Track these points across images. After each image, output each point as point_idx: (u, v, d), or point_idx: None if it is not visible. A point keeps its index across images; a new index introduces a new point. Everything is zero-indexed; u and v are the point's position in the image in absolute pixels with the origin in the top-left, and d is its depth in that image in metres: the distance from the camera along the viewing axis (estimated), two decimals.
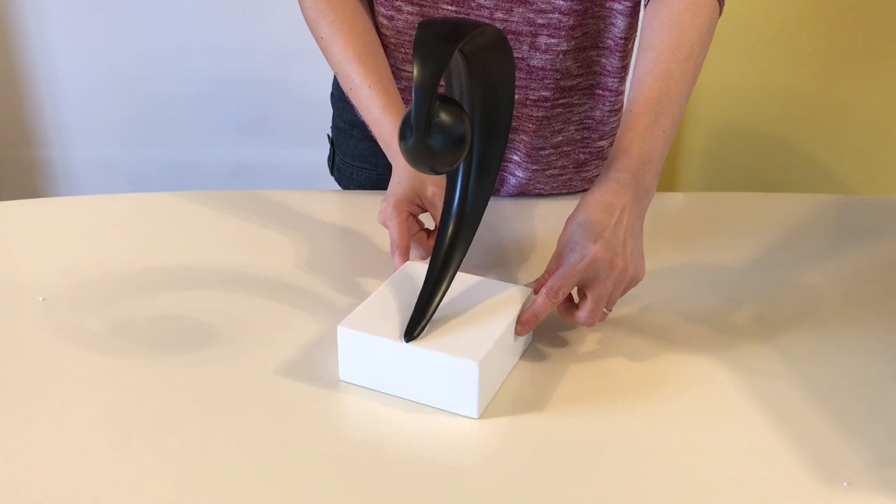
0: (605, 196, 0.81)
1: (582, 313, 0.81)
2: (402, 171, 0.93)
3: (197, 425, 0.74)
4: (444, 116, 0.71)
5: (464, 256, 0.82)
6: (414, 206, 0.91)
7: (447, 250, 0.81)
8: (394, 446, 0.73)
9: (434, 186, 0.91)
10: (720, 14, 0.95)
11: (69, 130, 2.25)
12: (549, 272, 0.82)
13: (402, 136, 0.71)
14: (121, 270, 0.97)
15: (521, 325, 0.80)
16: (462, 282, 0.85)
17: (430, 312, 0.78)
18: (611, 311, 0.83)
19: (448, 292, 0.81)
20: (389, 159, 0.97)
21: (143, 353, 0.83)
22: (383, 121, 0.96)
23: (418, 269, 0.86)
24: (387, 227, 0.90)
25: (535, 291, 0.82)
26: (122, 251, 1.01)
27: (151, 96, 2.20)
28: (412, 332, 0.76)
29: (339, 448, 0.72)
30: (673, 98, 0.87)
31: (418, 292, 0.79)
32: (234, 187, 2.20)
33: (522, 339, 0.83)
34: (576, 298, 0.84)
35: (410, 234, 0.90)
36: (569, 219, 0.83)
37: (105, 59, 2.16)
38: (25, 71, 2.18)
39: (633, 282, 0.82)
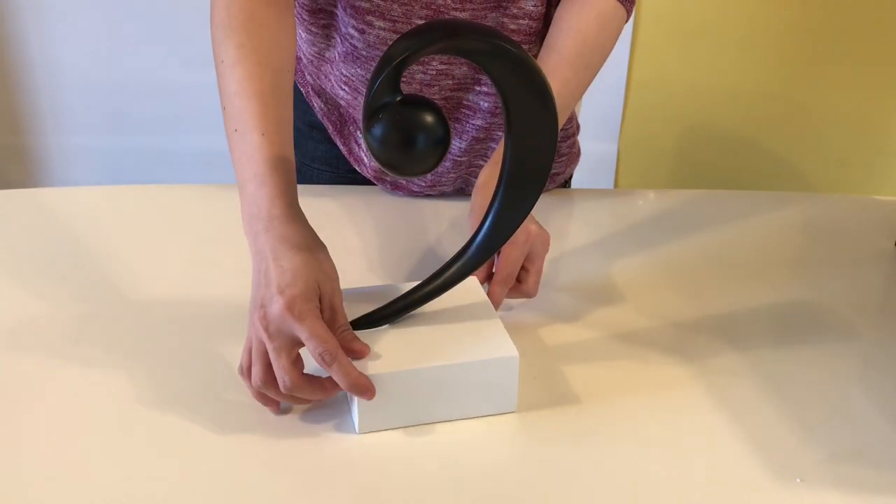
0: None
1: (530, 287, 0.87)
2: (291, 256, 0.72)
3: (166, 419, 0.74)
4: (395, 112, 0.67)
5: (455, 284, 0.79)
6: (318, 301, 0.72)
7: (447, 277, 0.78)
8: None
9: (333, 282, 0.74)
10: (627, 20, 0.98)
11: (39, 117, 2.23)
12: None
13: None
14: (78, 265, 0.96)
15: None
16: (475, 307, 0.80)
17: (382, 318, 0.77)
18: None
19: (458, 308, 0.79)
20: (251, 237, 0.75)
21: (101, 356, 0.82)
22: (267, 180, 0.75)
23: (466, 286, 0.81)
24: (290, 333, 0.69)
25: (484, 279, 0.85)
26: (79, 245, 1.00)
27: (122, 82, 2.19)
28: (357, 322, 0.76)
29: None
30: (566, 105, 0.93)
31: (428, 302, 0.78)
32: (206, 175, 2.19)
33: (492, 399, 0.76)
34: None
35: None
36: (483, 205, 0.80)
37: (76, 45, 2.14)
38: None
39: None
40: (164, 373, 0.80)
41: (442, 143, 0.69)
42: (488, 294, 0.84)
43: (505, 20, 0.99)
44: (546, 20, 1.01)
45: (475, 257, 0.78)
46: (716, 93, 2.06)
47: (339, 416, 0.75)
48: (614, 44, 0.97)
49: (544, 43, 0.96)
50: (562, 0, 0.97)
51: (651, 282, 0.97)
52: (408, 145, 0.68)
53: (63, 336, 0.84)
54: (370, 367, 0.72)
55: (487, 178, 0.90)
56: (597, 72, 0.96)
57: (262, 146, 0.76)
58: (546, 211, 1.13)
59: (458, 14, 0.98)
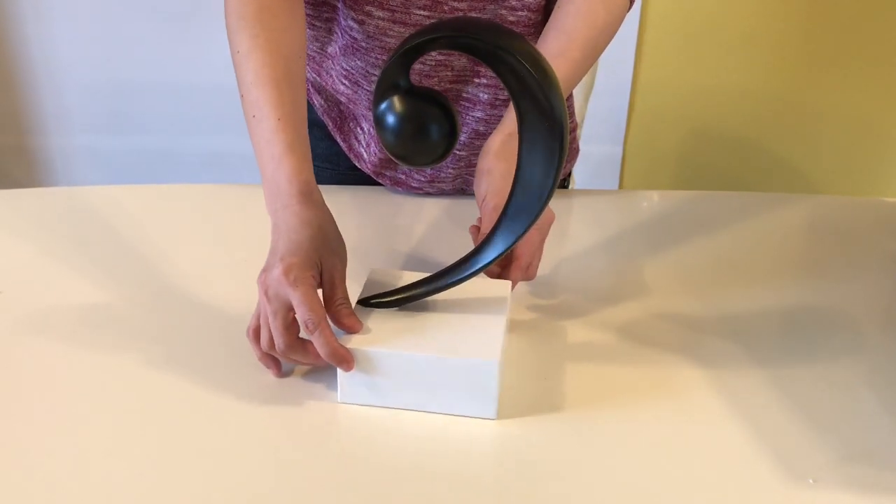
0: None
1: (534, 271, 0.87)
2: (300, 230, 0.77)
3: (169, 420, 0.74)
4: (404, 102, 0.70)
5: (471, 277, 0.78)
6: (317, 273, 0.76)
7: (457, 275, 0.78)
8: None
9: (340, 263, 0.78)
10: (630, 6, 0.99)
11: (42, 117, 2.23)
12: (483, 226, 0.85)
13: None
14: (83, 264, 0.96)
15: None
16: (490, 303, 0.80)
17: (394, 299, 0.78)
18: None
19: (472, 301, 0.80)
20: (272, 213, 0.81)
21: (106, 349, 0.82)
22: (284, 161, 0.80)
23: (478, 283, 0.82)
24: (285, 297, 0.73)
25: (495, 275, 0.83)
26: (84, 244, 1.00)
27: (127, 83, 2.18)
28: (368, 300, 0.78)
29: (344, 462, 0.72)
30: (571, 86, 0.95)
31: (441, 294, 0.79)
32: (210, 176, 2.19)
33: (471, 401, 0.74)
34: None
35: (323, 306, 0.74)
36: (499, 184, 0.86)
37: (80, 46, 2.14)
38: None
39: None
40: (167, 360, 0.80)
41: (449, 136, 0.71)
42: (508, 278, 0.84)
43: (503, 12, 0.99)
44: (546, 12, 1.01)
45: (489, 258, 0.77)
46: (721, 95, 2.05)
47: (327, 381, 0.77)
48: (618, 28, 0.97)
49: (551, 24, 0.96)
50: None
51: (655, 283, 0.97)
52: (415, 135, 0.70)
53: (73, 325, 0.85)
54: (353, 342, 0.73)
55: (499, 144, 0.90)
56: (600, 54, 0.97)
57: (279, 130, 0.81)
58: None
59: (456, 5, 0.97)
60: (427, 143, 0.70)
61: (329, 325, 0.73)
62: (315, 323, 0.72)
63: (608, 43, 0.97)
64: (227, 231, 1.03)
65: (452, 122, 0.71)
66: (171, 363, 0.80)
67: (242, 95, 0.85)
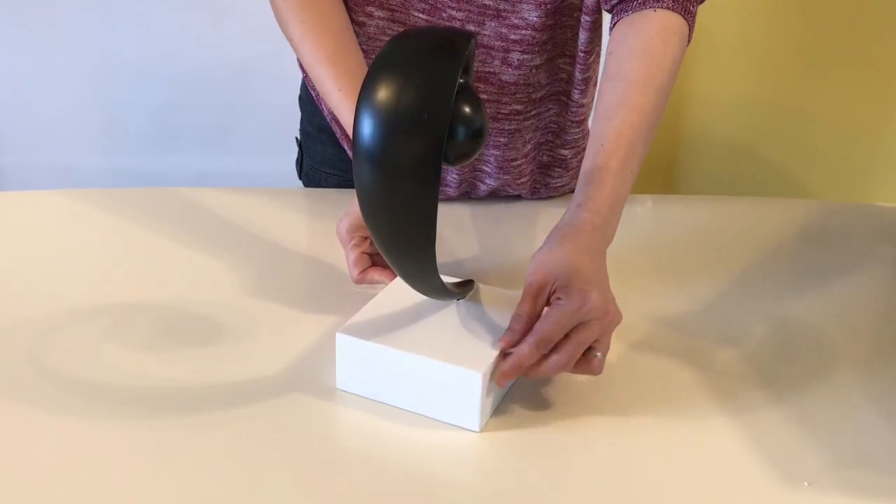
0: (585, 238, 0.78)
1: (596, 365, 0.75)
2: None
3: (175, 440, 0.74)
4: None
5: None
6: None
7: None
8: (393, 459, 0.71)
9: None
10: (689, 41, 0.92)
11: (26, 135, 2.20)
12: (526, 315, 0.75)
13: None
14: (78, 266, 0.96)
15: (503, 376, 0.73)
16: (478, 293, 0.83)
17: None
18: (605, 356, 0.76)
19: (465, 303, 0.81)
20: None
21: (104, 351, 0.82)
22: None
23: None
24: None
25: (507, 344, 0.74)
26: (78, 246, 1.00)
27: (113, 103, 2.17)
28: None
29: (338, 461, 0.72)
30: (642, 136, 0.84)
31: (416, 301, 0.80)
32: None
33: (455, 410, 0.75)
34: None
35: (364, 264, 0.87)
36: (542, 259, 0.76)
37: (65, 65, 2.12)
38: None
39: (616, 325, 0.77)
40: (166, 361, 0.80)
41: (479, 135, 0.68)
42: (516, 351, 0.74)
43: (504, 30, 0.99)
44: (552, 31, 1.00)
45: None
46: (714, 101, 2.06)
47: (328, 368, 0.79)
48: (681, 60, 0.89)
49: (605, 73, 0.88)
50: (618, 23, 0.91)
51: (649, 287, 0.97)
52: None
53: (70, 327, 0.85)
54: (350, 330, 0.76)
55: (567, 217, 0.81)
56: (669, 92, 0.88)
57: (342, 100, 0.92)
58: (544, 217, 1.13)
59: (454, 13, 0.98)
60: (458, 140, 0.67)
61: (369, 274, 0.87)
62: (354, 279, 0.87)
63: (674, 76, 0.88)
64: (222, 235, 1.03)
65: (483, 119, 0.67)
66: (169, 365, 0.80)
67: (309, 75, 0.97)
